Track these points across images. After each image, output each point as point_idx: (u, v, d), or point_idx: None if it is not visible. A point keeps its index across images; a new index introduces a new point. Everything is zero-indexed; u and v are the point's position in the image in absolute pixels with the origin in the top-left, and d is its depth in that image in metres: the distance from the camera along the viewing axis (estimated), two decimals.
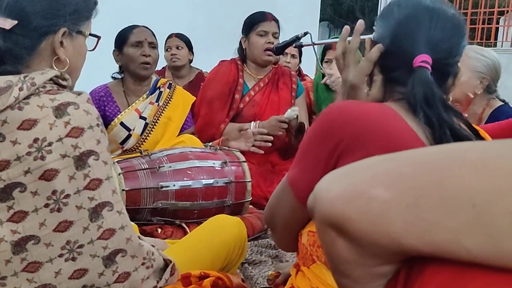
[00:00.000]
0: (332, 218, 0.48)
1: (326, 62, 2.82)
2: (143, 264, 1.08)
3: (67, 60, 1.04)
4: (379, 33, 1.05)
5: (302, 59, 3.53)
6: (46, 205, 0.93)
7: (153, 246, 1.15)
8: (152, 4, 4.35)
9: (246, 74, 2.70)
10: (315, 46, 1.44)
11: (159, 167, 1.89)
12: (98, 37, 1.14)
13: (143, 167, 1.89)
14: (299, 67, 3.61)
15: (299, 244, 1.05)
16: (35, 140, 0.92)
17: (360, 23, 1.16)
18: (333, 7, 17.17)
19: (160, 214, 1.89)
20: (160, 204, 1.87)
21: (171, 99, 2.54)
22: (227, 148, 2.21)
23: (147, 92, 2.50)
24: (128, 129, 2.44)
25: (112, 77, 2.54)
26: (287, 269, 1.24)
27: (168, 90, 2.56)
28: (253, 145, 2.47)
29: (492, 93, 2.19)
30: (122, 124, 2.43)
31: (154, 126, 2.47)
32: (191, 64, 3.49)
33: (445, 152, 0.48)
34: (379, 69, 1.05)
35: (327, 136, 0.91)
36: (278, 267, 1.50)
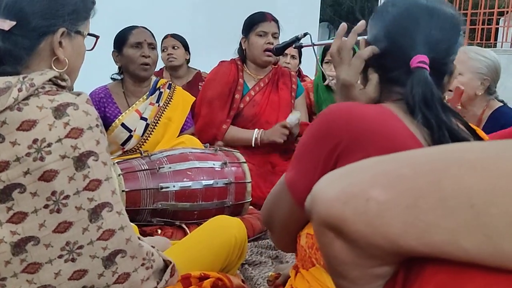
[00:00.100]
0: (330, 219, 0.48)
1: (327, 63, 2.81)
2: (142, 264, 1.07)
3: (66, 60, 1.04)
4: (374, 33, 1.03)
5: (302, 60, 3.52)
6: (46, 206, 0.93)
7: (153, 247, 1.15)
8: (151, 4, 4.34)
9: (246, 74, 2.70)
10: (315, 47, 1.44)
11: (159, 168, 1.89)
12: (97, 37, 1.14)
13: (143, 168, 1.89)
14: (299, 68, 3.61)
15: (297, 246, 1.04)
16: (35, 141, 0.91)
17: (362, 23, 1.14)
18: (333, 8, 17.15)
19: (160, 215, 1.89)
20: (160, 205, 1.87)
21: (171, 99, 2.54)
22: (226, 149, 2.21)
23: (147, 93, 2.50)
24: (129, 130, 2.44)
25: (111, 78, 2.54)
26: (287, 270, 1.23)
27: (168, 90, 2.56)
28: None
29: (492, 94, 2.19)
30: (123, 125, 2.43)
31: (155, 127, 2.47)
32: (189, 65, 3.47)
33: (444, 152, 0.48)
34: (375, 68, 1.04)
35: (326, 137, 0.90)
36: (278, 268, 1.50)
